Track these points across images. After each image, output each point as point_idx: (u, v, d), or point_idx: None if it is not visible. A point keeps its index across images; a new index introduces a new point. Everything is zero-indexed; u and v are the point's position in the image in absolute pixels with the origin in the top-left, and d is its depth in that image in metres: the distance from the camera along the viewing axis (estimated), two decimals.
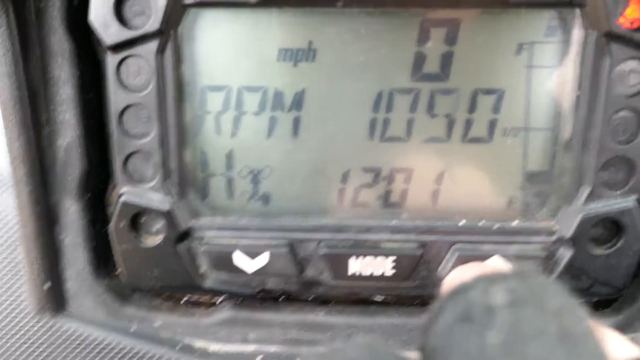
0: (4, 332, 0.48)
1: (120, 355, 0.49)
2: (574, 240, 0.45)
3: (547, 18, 0.43)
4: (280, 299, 0.52)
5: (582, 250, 0.45)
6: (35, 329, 0.49)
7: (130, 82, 0.44)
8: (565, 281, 0.46)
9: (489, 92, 0.45)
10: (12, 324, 0.49)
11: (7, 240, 0.49)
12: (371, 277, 0.47)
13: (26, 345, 0.48)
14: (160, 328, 0.50)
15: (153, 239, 0.47)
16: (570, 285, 0.48)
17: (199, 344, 0.50)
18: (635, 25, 0.41)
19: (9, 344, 0.48)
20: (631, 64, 0.42)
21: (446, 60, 0.45)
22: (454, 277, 0.42)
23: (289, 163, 0.48)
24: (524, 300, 0.22)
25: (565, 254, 0.46)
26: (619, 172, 0.44)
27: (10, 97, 0.43)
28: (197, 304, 0.52)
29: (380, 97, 0.46)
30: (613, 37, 0.41)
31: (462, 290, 0.24)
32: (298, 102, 0.46)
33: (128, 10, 0.42)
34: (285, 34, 0.45)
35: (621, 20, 0.40)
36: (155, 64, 0.43)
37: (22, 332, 0.49)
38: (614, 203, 0.45)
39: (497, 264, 0.45)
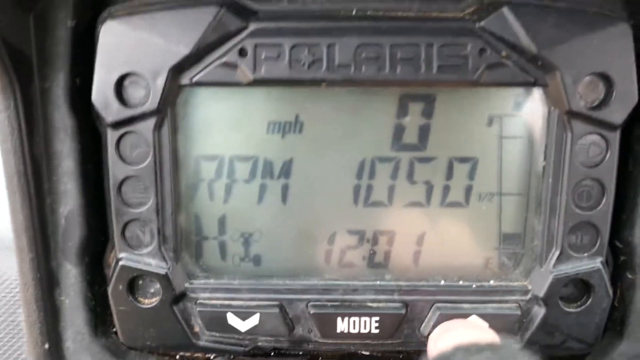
0: None
1: None
2: (546, 299, 0.48)
3: (515, 94, 0.47)
4: (271, 354, 0.54)
5: (554, 308, 0.48)
6: None
7: (129, 156, 0.47)
8: (540, 337, 0.49)
9: (464, 160, 0.49)
10: None
11: (8, 301, 0.51)
12: (357, 335, 0.49)
13: None
14: None
15: (149, 301, 0.50)
16: (544, 341, 0.51)
17: None
18: (593, 105, 0.44)
19: None
20: (591, 138, 0.45)
21: (424, 131, 0.48)
22: (439, 332, 0.45)
23: (279, 227, 0.50)
24: None
25: (539, 312, 0.49)
26: (585, 236, 0.47)
27: (15, 172, 0.46)
28: None
29: (363, 165, 0.49)
30: (573, 115, 0.44)
31: (442, 359, 0.27)
32: (286, 170, 0.49)
33: (128, 91, 0.46)
34: (273, 109, 0.48)
35: (579, 100, 0.44)
36: (152, 139, 0.46)
37: None
38: (582, 265, 0.48)
39: (475, 322, 0.48)
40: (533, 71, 0.44)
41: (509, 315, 0.49)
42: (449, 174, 0.49)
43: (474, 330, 0.41)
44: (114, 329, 0.53)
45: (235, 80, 0.45)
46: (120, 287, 0.49)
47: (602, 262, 0.48)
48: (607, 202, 0.47)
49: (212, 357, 0.54)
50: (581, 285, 0.49)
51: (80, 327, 0.51)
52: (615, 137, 0.45)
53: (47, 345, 0.50)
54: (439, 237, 0.50)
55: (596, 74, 0.44)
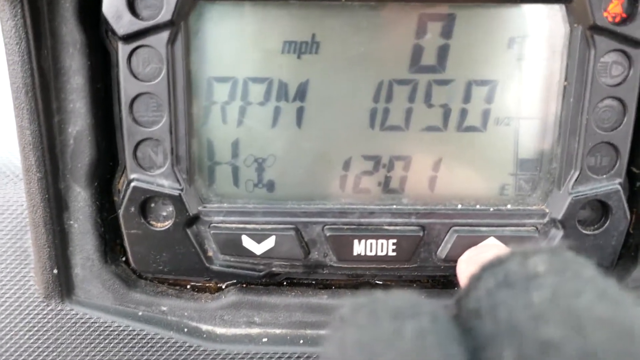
0: (12, 316, 0.49)
1: (128, 339, 0.50)
2: (564, 222, 0.48)
3: (536, 13, 0.46)
4: (284, 283, 0.53)
5: (572, 230, 0.48)
6: (43, 314, 0.50)
7: (141, 72, 0.45)
8: None
9: (482, 83, 0.48)
10: (21, 309, 0.49)
11: (15, 226, 0.50)
12: (374, 259, 0.49)
13: (34, 329, 0.49)
14: (168, 312, 0.51)
15: (162, 224, 0.49)
16: None
17: (206, 327, 0.51)
18: (617, 20, 0.44)
19: (17, 329, 0.49)
20: (614, 56, 0.45)
21: (442, 52, 0.47)
22: (470, 256, 0.45)
23: (293, 152, 0.49)
24: (560, 269, 0.25)
25: (556, 235, 0.49)
26: (604, 158, 0.47)
27: (23, 86, 0.44)
28: (203, 290, 0.53)
29: (380, 87, 0.48)
30: (597, 30, 0.44)
31: (498, 262, 0.26)
32: (302, 92, 0.48)
33: (140, 2, 0.44)
34: (289, 27, 0.47)
35: (604, 15, 0.43)
36: (165, 54, 0.45)
37: (30, 317, 0.49)
38: (601, 186, 0.48)
39: (490, 244, 0.48)
40: None
41: (526, 237, 0.48)
42: (467, 97, 0.48)
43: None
44: (124, 258, 0.52)
45: None
46: (132, 209, 0.48)
47: (620, 184, 0.48)
48: (628, 123, 0.46)
49: (223, 287, 0.53)
50: (599, 208, 0.49)
51: (90, 253, 0.50)
52: (638, 55, 0.45)
53: (55, 271, 0.49)
54: (455, 162, 0.50)
55: None
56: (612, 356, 0.20)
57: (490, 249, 0.47)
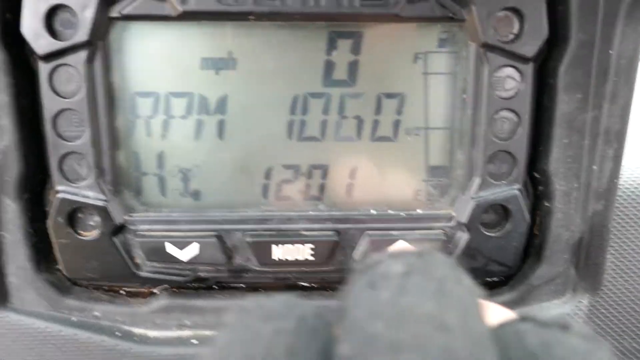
0: None
1: (62, 342, 0.52)
2: (469, 225, 0.52)
3: (437, 31, 0.49)
4: (214, 287, 0.56)
5: (476, 233, 0.52)
6: None
7: (62, 89, 0.47)
8: (464, 261, 0.53)
9: (391, 96, 0.51)
10: None
11: None
12: (293, 263, 0.52)
13: None
14: (101, 317, 0.53)
15: (89, 233, 0.51)
16: (468, 264, 0.55)
17: (138, 330, 0.54)
18: (506, 38, 0.47)
19: None
20: (506, 71, 0.48)
21: (353, 67, 0.50)
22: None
23: (216, 162, 0.52)
24: (415, 270, 0.27)
25: (462, 237, 0.52)
26: (503, 164, 0.51)
27: None
28: (135, 295, 0.56)
29: (296, 101, 0.51)
30: (489, 48, 0.47)
31: (371, 265, 0.29)
32: (222, 106, 0.51)
33: (58, 23, 0.46)
34: (206, 45, 0.49)
35: (494, 33, 0.47)
36: (85, 72, 0.47)
37: None
38: (501, 191, 0.51)
39: (402, 246, 0.51)
40: (451, 6, 0.47)
41: (434, 240, 0.52)
42: (378, 109, 0.52)
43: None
44: (58, 266, 0.55)
45: (165, 13, 0.46)
46: (60, 219, 0.50)
47: (519, 189, 0.51)
48: (523, 132, 0.50)
49: (155, 291, 0.56)
50: (501, 212, 0.52)
51: (23, 263, 0.52)
52: (529, 69, 0.48)
53: None
54: (370, 170, 0.53)
55: (509, 9, 0.46)
56: (416, 347, 0.23)
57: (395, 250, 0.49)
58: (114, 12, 0.46)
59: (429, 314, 0.24)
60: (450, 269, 0.29)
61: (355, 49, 0.50)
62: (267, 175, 0.53)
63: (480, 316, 0.26)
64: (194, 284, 0.55)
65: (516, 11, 0.46)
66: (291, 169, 0.53)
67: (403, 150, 0.52)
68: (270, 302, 0.29)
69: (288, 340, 0.26)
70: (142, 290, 0.56)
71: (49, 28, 0.46)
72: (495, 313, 0.32)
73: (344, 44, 0.50)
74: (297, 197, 0.53)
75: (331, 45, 0.50)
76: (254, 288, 0.57)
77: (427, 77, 0.51)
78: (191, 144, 0.52)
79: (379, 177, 0.53)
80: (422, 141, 0.52)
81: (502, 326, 0.28)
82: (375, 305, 0.26)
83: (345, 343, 0.25)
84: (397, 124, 0.52)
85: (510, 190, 0.51)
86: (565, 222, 0.52)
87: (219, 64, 0.50)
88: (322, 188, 0.53)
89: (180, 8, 0.45)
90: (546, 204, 0.53)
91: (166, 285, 0.55)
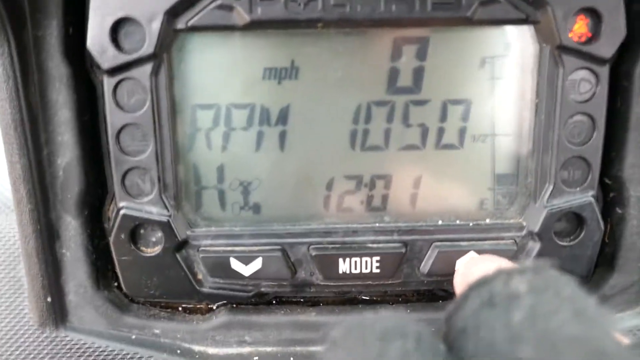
0: (8, 345, 0.50)
1: None
2: (541, 234, 0.50)
3: (506, 34, 0.48)
4: (273, 302, 0.55)
5: (548, 242, 0.50)
6: (38, 341, 0.51)
7: (126, 103, 0.47)
8: None
9: (457, 102, 0.50)
10: (16, 337, 0.50)
11: (9, 257, 0.51)
12: (359, 276, 0.50)
13: (30, 357, 0.50)
14: (160, 335, 0.52)
15: (152, 249, 0.50)
16: None
17: (198, 347, 0.52)
18: (582, 39, 0.46)
19: (13, 357, 0.50)
20: (582, 73, 0.46)
21: (418, 74, 0.49)
22: (467, 267, 0.46)
23: (277, 174, 0.51)
24: (541, 288, 0.26)
25: (534, 247, 0.50)
26: (576, 171, 0.49)
27: (12, 121, 0.45)
28: (194, 311, 0.55)
29: (359, 109, 0.50)
30: (564, 50, 0.46)
31: (483, 282, 0.28)
32: (283, 117, 0.50)
33: (123, 36, 0.45)
34: (269, 55, 0.48)
35: (570, 35, 0.45)
36: (149, 85, 0.46)
37: (25, 345, 0.50)
38: (574, 199, 0.49)
39: (486, 256, 0.49)
40: (525, 7, 0.45)
41: (505, 250, 0.50)
42: (443, 116, 0.50)
43: (499, 261, 0.42)
44: (116, 283, 0.54)
45: (232, 23, 0.45)
46: (122, 236, 0.49)
47: (593, 196, 0.49)
48: (598, 137, 0.48)
49: (214, 307, 0.54)
50: (574, 220, 0.50)
51: (82, 280, 0.51)
52: (605, 71, 0.47)
53: (49, 299, 0.50)
54: (435, 179, 0.51)
55: (585, 9, 0.45)
56: None
57: (484, 261, 0.47)
58: (180, 24, 0.45)
59: (580, 338, 0.23)
60: (574, 286, 0.27)
61: (421, 55, 0.49)
62: (329, 186, 0.51)
63: (619, 338, 0.25)
64: (253, 300, 0.54)
65: (593, 11, 0.45)
66: (353, 179, 0.51)
67: (469, 157, 0.51)
68: (382, 321, 0.27)
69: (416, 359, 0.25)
70: (201, 306, 0.55)
71: (114, 41, 0.45)
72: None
73: (410, 50, 0.48)
74: (359, 208, 0.52)
75: (396, 52, 0.48)
76: (314, 303, 0.55)
77: (495, 82, 0.49)
78: (252, 156, 0.51)
79: (444, 186, 0.52)
80: (489, 148, 0.51)
81: (633, 347, 0.26)
82: (513, 327, 0.24)
83: None
84: (463, 131, 0.50)
85: (584, 197, 0.49)
86: (639, 230, 0.50)
87: (281, 74, 0.49)
88: (385, 199, 0.52)
89: (248, 17, 0.45)
90: (619, 210, 0.51)
91: (225, 301, 0.54)
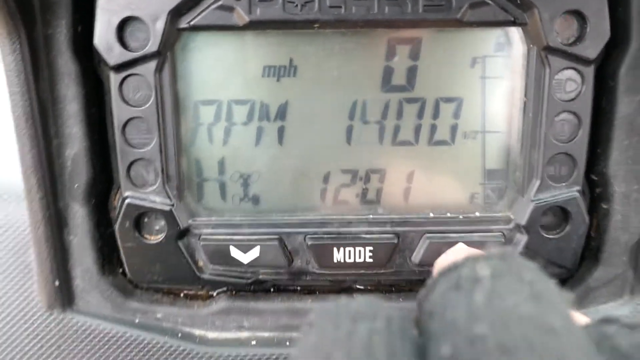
0: (17, 326, 0.53)
1: (126, 345, 0.53)
2: (528, 227, 0.52)
3: (495, 35, 0.50)
4: (271, 290, 0.57)
5: (535, 235, 0.52)
6: (46, 323, 0.53)
7: (132, 98, 0.49)
8: None
9: (449, 100, 0.52)
10: (25, 319, 0.53)
11: (19, 242, 0.54)
12: (353, 265, 0.53)
13: (39, 338, 0.53)
14: (162, 319, 0.55)
15: (155, 237, 0.52)
16: None
17: (199, 332, 0.55)
18: (568, 41, 0.47)
19: (23, 337, 0.53)
20: (568, 73, 0.48)
21: (411, 73, 0.51)
22: (445, 258, 0.48)
23: (276, 167, 0.53)
24: (503, 272, 0.28)
25: (521, 239, 0.52)
26: (563, 167, 0.51)
27: (23, 114, 0.48)
28: (195, 297, 0.57)
29: (354, 106, 0.52)
30: (550, 50, 0.47)
31: (453, 267, 0.30)
32: (282, 113, 0.52)
33: (129, 35, 0.48)
34: (268, 53, 0.50)
35: (556, 36, 0.47)
36: (154, 81, 0.48)
37: (34, 326, 0.53)
38: (561, 194, 0.51)
39: (462, 248, 0.51)
40: (513, 10, 0.47)
41: (493, 242, 0.52)
42: (436, 114, 0.52)
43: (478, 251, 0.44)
44: (121, 269, 0.56)
45: (232, 23, 0.47)
46: (127, 224, 0.52)
47: (578, 191, 0.51)
48: (583, 134, 0.50)
49: (214, 294, 0.57)
50: (560, 214, 0.52)
51: (89, 265, 0.54)
52: (590, 71, 0.48)
53: (57, 283, 0.53)
54: (427, 174, 0.53)
55: (571, 11, 0.47)
56: (528, 349, 0.23)
57: (461, 252, 0.50)
58: (183, 23, 0.47)
59: (531, 316, 0.24)
60: (536, 271, 0.29)
61: (414, 55, 0.51)
62: (326, 179, 0.54)
63: (574, 318, 0.26)
64: (251, 287, 0.56)
65: (578, 13, 0.46)
66: (349, 173, 0.54)
67: (460, 153, 0.53)
68: (354, 303, 0.29)
69: (384, 339, 0.27)
70: (202, 293, 0.57)
71: (120, 39, 0.47)
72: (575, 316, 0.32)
73: (403, 50, 0.51)
74: (354, 200, 0.54)
75: (390, 52, 0.50)
76: (310, 291, 0.57)
77: (485, 81, 0.51)
78: (251, 150, 0.53)
79: (436, 181, 0.54)
80: (479, 144, 0.53)
81: (587, 328, 0.28)
82: (473, 307, 0.26)
83: (446, 344, 0.25)
84: (454, 128, 0.52)
85: (570, 192, 0.51)
86: (623, 224, 0.52)
87: (280, 72, 0.51)
88: (379, 192, 0.54)
89: (247, 18, 0.47)
90: (604, 206, 0.53)
91: (225, 288, 0.56)
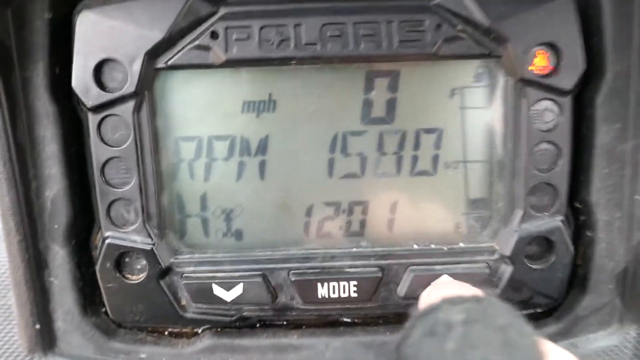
0: None
1: None
2: (513, 258, 0.51)
3: (473, 66, 0.50)
4: (256, 326, 0.56)
5: (520, 266, 0.52)
6: None
7: (110, 138, 0.49)
8: (509, 294, 0.53)
9: (429, 131, 0.52)
10: None
11: None
12: (337, 300, 0.52)
13: None
14: (146, 359, 0.54)
15: (137, 276, 0.52)
16: (513, 297, 0.55)
17: None
18: (544, 72, 0.48)
19: None
20: (545, 104, 0.49)
21: (390, 105, 0.51)
22: (429, 290, 0.48)
23: (258, 202, 0.53)
24: (476, 318, 0.28)
25: (506, 270, 0.52)
26: (545, 196, 0.51)
27: (0, 159, 0.48)
28: (180, 335, 0.56)
29: (335, 139, 0.52)
30: (526, 82, 0.48)
31: (429, 311, 0.30)
32: (263, 147, 0.52)
33: (106, 76, 0.48)
34: (247, 89, 0.51)
35: (531, 68, 0.47)
36: (132, 121, 0.48)
37: None
38: (544, 223, 0.51)
39: (447, 281, 0.51)
40: (487, 43, 0.47)
41: (478, 274, 0.52)
42: (417, 145, 0.52)
43: (460, 287, 0.44)
44: (104, 309, 0.55)
45: (209, 62, 0.48)
46: (108, 264, 0.51)
47: (562, 220, 0.51)
48: (564, 164, 0.50)
49: (199, 331, 0.56)
50: (544, 244, 0.52)
51: (70, 307, 0.53)
52: (567, 102, 0.49)
53: (37, 326, 0.52)
54: (410, 205, 0.53)
55: (545, 44, 0.47)
56: None
57: (446, 287, 0.50)
58: (160, 64, 0.47)
59: None
60: (510, 316, 0.29)
61: (393, 87, 0.51)
62: (308, 213, 0.53)
63: None
64: (237, 324, 0.55)
65: (552, 46, 0.47)
66: (332, 206, 0.53)
67: (442, 184, 0.53)
68: (331, 352, 0.29)
69: None
70: (186, 330, 0.56)
71: (97, 81, 0.47)
72: (553, 352, 0.32)
73: (382, 83, 0.51)
74: (338, 233, 0.54)
75: (369, 85, 0.51)
76: (296, 325, 0.57)
77: (464, 112, 0.51)
78: (233, 185, 0.53)
79: (419, 212, 0.54)
80: (461, 174, 0.53)
81: None
82: (445, 355, 0.26)
83: None
84: (436, 159, 0.52)
85: (553, 221, 0.51)
86: (609, 252, 0.52)
87: (259, 107, 0.51)
88: (363, 224, 0.54)
89: (224, 57, 0.47)
90: (589, 234, 0.53)
91: (209, 325, 0.55)
